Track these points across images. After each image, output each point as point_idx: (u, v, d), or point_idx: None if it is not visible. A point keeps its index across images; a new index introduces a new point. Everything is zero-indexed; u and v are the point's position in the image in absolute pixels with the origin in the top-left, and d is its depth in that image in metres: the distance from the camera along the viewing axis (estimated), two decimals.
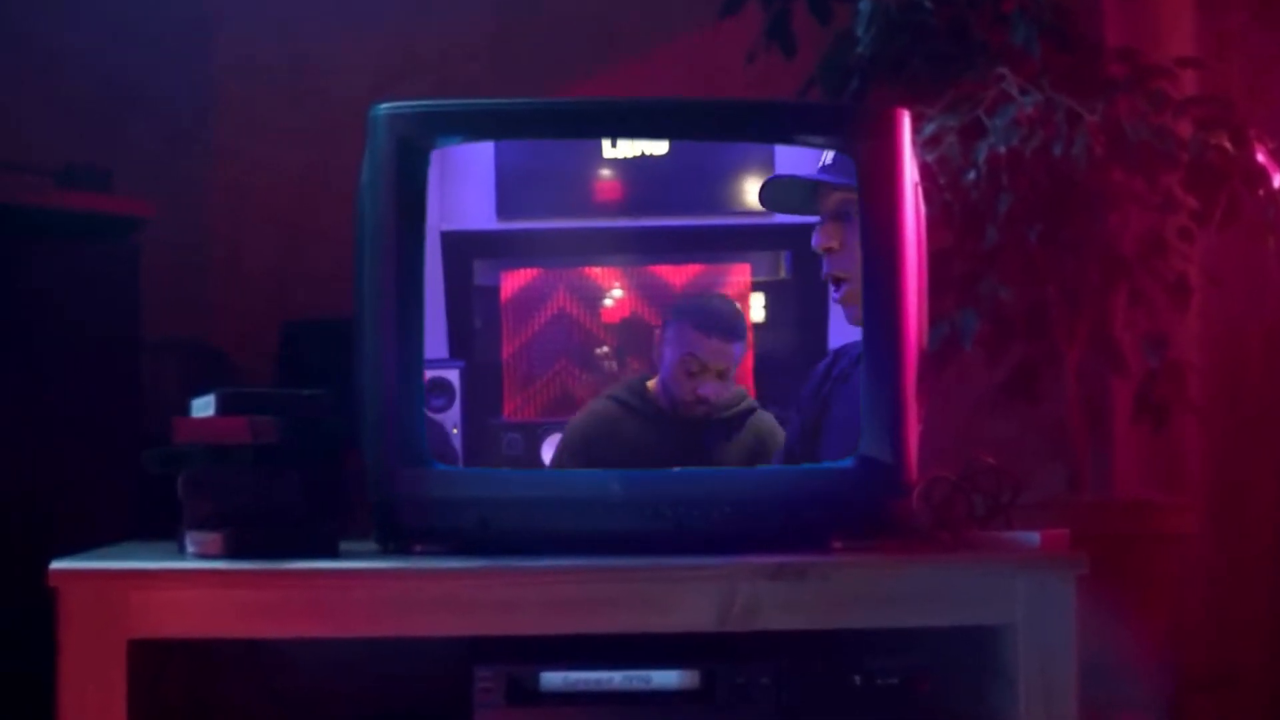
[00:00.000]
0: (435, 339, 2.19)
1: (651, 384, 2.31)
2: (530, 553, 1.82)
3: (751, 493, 1.90)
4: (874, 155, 1.90)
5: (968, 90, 2.69)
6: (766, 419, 2.27)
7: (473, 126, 1.95)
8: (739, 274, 2.31)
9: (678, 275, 2.33)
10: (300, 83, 3.27)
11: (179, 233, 3.10)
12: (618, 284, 2.34)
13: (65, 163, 2.82)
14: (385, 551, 1.90)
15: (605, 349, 2.33)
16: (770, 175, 2.19)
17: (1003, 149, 2.57)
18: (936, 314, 2.36)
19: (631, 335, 2.38)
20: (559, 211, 2.32)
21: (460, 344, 2.24)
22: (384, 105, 1.88)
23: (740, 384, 2.29)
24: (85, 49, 3.17)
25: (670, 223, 2.34)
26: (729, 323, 2.28)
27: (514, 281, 2.28)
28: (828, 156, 2.08)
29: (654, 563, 1.80)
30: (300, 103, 3.26)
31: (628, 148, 2.28)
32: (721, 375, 2.25)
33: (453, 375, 2.20)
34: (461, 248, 2.25)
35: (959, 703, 1.91)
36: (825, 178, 2.08)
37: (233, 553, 1.81)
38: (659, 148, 2.28)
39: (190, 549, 1.88)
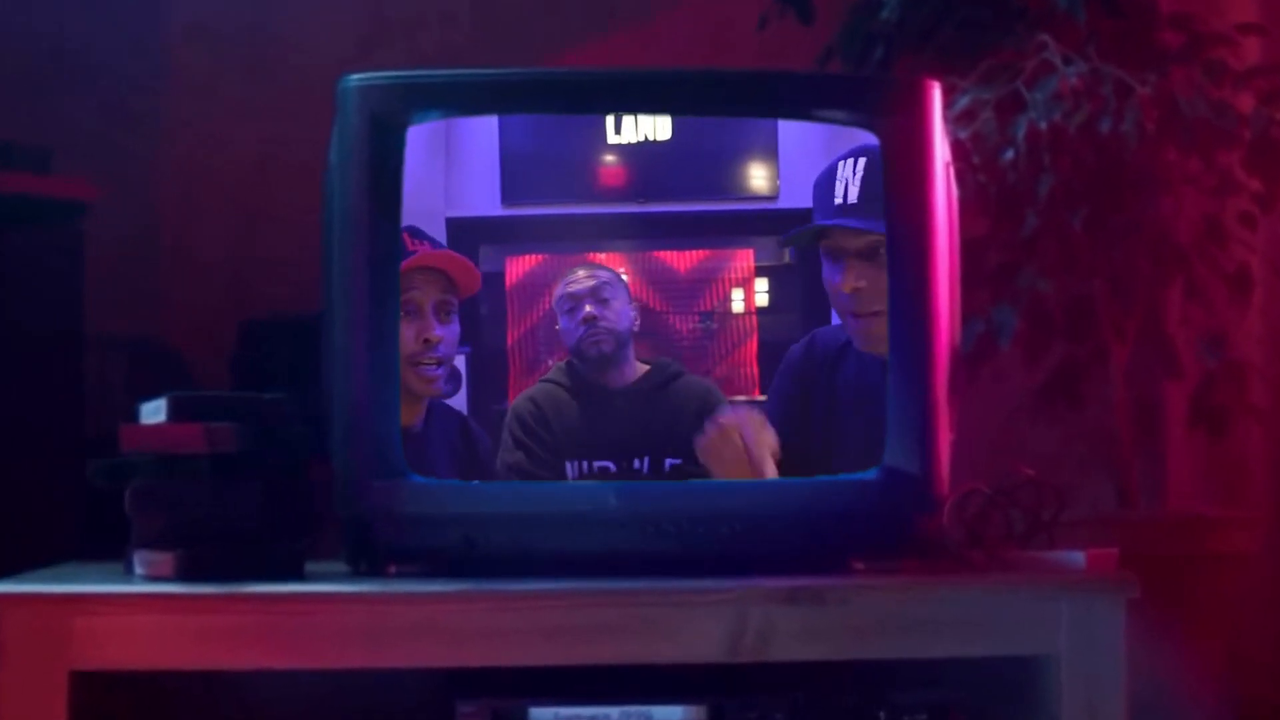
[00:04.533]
0: None
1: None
2: (518, 575, 1.82)
3: (763, 507, 1.91)
4: (900, 132, 1.91)
5: (1005, 59, 2.69)
6: (695, 381, 2.42)
7: (454, 100, 1.95)
8: (743, 259, 2.55)
9: (682, 261, 2.59)
10: (260, 51, 3.27)
11: (126, 218, 3.10)
12: (622, 270, 2.53)
13: None
14: (356, 573, 1.90)
15: None
16: (806, 224, 2.28)
17: (1044, 125, 2.58)
18: (970, 310, 2.37)
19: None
20: (563, 197, 2.57)
21: (466, 330, 2.43)
22: (354, 77, 1.88)
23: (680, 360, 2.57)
24: (19, 13, 3.17)
25: (674, 208, 2.57)
26: (583, 264, 2.57)
27: (518, 267, 2.51)
28: (852, 192, 2.16)
29: (655, 585, 1.80)
30: (260, 74, 3.26)
31: (631, 132, 2.51)
32: (598, 300, 2.51)
33: (459, 362, 2.40)
34: (467, 234, 2.47)
35: None
36: (857, 224, 2.13)
37: (186, 574, 1.82)
38: (663, 132, 2.51)
39: (139, 570, 1.88)
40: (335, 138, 1.88)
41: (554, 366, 2.56)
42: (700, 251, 2.61)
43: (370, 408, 1.85)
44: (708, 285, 2.56)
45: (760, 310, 2.53)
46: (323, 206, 1.90)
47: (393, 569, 1.88)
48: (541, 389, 2.54)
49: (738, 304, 2.56)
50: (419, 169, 2.22)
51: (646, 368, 2.57)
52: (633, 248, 2.54)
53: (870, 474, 1.90)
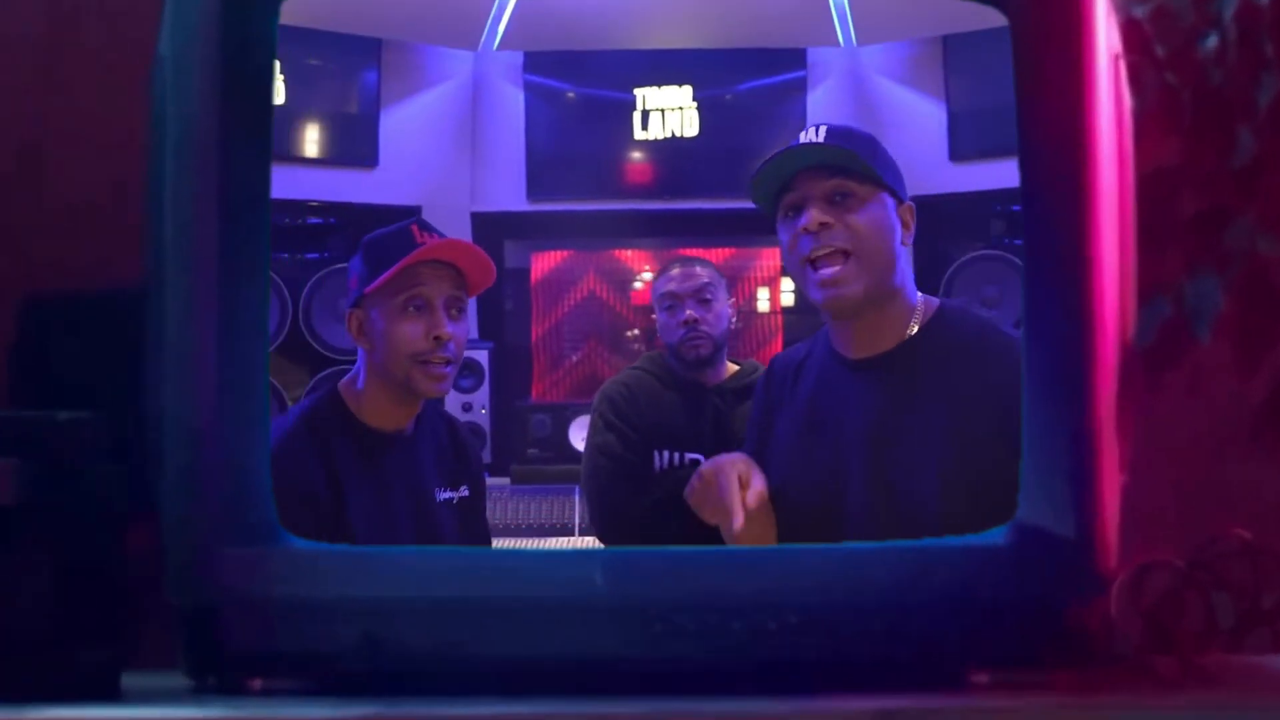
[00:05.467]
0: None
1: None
2: (448, 693, 1.83)
3: (829, 589, 1.91)
4: (1040, 7, 1.92)
5: None
6: None
7: None
8: (769, 257, 3.59)
9: (708, 258, 3.60)
10: None
11: None
12: (648, 267, 3.55)
13: None
14: (200, 690, 1.91)
15: (635, 331, 3.75)
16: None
17: None
18: (1152, 282, 2.39)
19: None
20: (588, 193, 3.62)
21: (489, 326, 3.38)
22: None
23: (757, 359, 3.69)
24: None
25: (700, 205, 3.59)
26: (682, 260, 3.85)
27: (544, 264, 3.53)
28: (820, 134, 2.76)
29: (665, 710, 1.81)
30: None
31: (658, 129, 3.50)
32: (700, 301, 3.79)
33: (482, 356, 3.40)
34: (491, 228, 3.47)
35: None
36: (820, 140, 2.75)
37: None
38: (690, 129, 3.53)
39: None
40: (168, 14, 1.89)
41: (643, 355, 3.63)
42: (726, 249, 3.55)
43: (222, 432, 1.84)
44: (733, 283, 3.37)
45: (785, 310, 3.48)
46: (147, 124, 1.91)
47: (257, 684, 1.90)
48: (632, 375, 3.68)
49: (763, 303, 3.53)
50: (446, 165, 3.37)
51: (736, 367, 3.66)
52: (658, 245, 3.48)
53: (997, 536, 1.90)
